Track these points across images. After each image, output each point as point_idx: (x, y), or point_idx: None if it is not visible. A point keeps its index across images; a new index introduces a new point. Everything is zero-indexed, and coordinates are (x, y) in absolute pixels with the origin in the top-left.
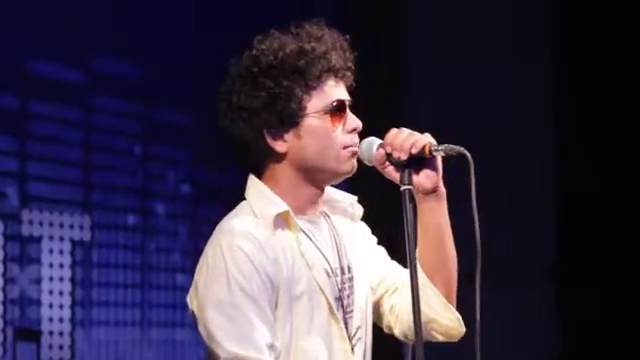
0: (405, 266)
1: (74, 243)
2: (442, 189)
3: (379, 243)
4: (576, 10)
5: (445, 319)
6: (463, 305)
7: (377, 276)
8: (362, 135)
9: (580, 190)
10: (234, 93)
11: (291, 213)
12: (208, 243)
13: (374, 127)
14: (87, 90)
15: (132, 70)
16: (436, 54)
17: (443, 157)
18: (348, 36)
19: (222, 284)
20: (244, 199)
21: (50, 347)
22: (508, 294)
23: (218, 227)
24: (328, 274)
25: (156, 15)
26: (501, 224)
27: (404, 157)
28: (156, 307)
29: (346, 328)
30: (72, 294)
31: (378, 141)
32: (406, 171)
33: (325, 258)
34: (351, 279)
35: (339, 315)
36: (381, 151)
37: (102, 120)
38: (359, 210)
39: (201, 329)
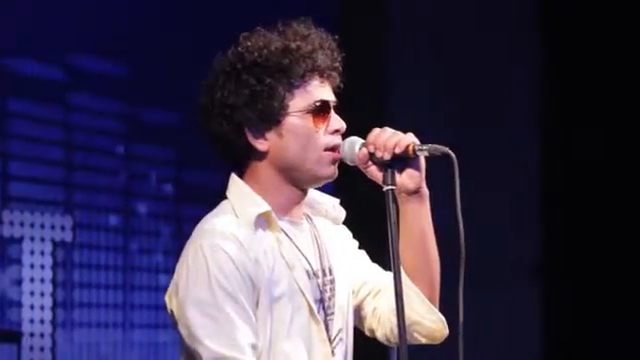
0: (387, 268)
1: (55, 244)
2: (425, 190)
3: (362, 244)
4: (564, 10)
5: (428, 321)
6: (446, 306)
7: (359, 279)
8: (344, 135)
9: (565, 191)
10: (217, 89)
11: (272, 214)
12: (188, 243)
13: (356, 127)
14: (68, 89)
15: (114, 68)
16: (420, 54)
17: (426, 157)
18: (337, 36)
19: (203, 284)
20: (225, 198)
21: (31, 349)
22: (492, 295)
23: (199, 226)
24: (309, 275)
25: (140, 12)
26: (485, 225)
27: (387, 157)
28: (138, 308)
29: (327, 330)
30: (53, 295)
31: (360, 140)
32: (389, 171)
33: (306, 259)
34: (332, 281)
35: (320, 317)
36: (364, 150)
37: (84, 119)
38: (341, 213)
39: (181, 329)
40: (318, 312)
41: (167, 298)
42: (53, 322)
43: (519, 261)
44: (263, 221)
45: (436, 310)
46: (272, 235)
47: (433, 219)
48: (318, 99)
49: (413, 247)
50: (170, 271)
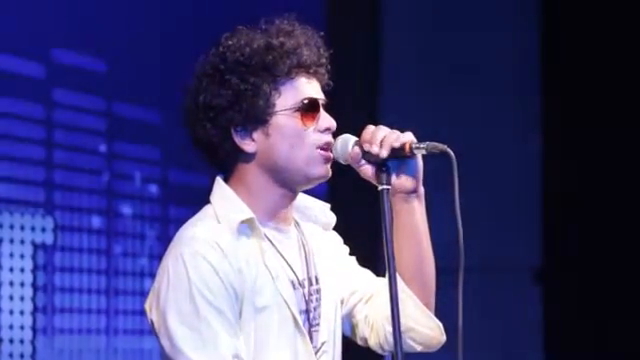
0: (380, 271)
1: (36, 246)
2: (422, 189)
3: (354, 246)
4: (565, 7)
5: (425, 327)
6: (444, 310)
7: (348, 287)
8: (335, 135)
9: (566, 192)
10: (200, 92)
11: (256, 221)
12: (168, 250)
13: (348, 125)
14: (49, 85)
15: (97, 64)
16: (416, 52)
17: (423, 155)
18: (322, 33)
19: (185, 295)
20: (209, 202)
21: (10, 356)
22: (492, 298)
23: (179, 233)
24: (294, 286)
25: (124, 7)
26: (484, 226)
27: (384, 155)
28: (122, 314)
29: (311, 342)
30: (33, 300)
31: (354, 138)
32: (384, 170)
33: (291, 268)
34: (318, 291)
35: (305, 328)
36: (358, 149)
37: (65, 117)
38: (331, 218)
39: (163, 340)
40: (303, 323)
41: (147, 307)
42: (33, 328)
43: (520, 263)
44: (246, 228)
45: (432, 315)
46: (256, 243)
47: (428, 220)
48: (306, 97)
49: (408, 249)
50: (155, 275)
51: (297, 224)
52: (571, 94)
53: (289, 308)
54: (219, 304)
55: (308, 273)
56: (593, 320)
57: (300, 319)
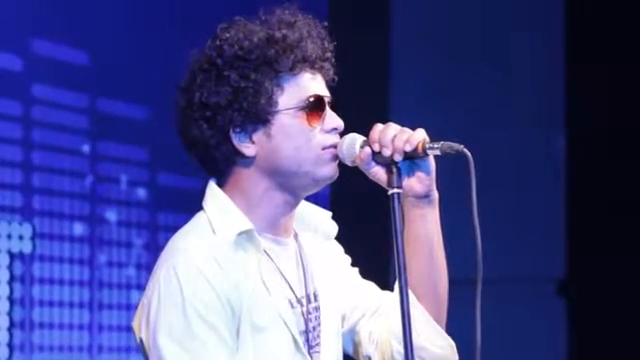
0: (386, 284)
1: (12, 256)
2: (435, 193)
3: (362, 255)
4: (590, 12)
5: (436, 347)
6: (461, 325)
7: (350, 301)
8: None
9: (591, 200)
10: (195, 89)
11: (255, 233)
12: (159, 263)
13: (356, 124)
14: (27, 79)
15: (80, 56)
16: (430, 47)
17: (437, 156)
18: (326, 23)
19: (178, 311)
20: (202, 209)
21: None
22: (513, 312)
23: (171, 244)
24: (292, 304)
25: None
26: (505, 235)
27: (397, 157)
28: (107, 329)
29: None
30: (10, 314)
31: (361, 138)
32: (395, 172)
33: (289, 285)
34: (317, 309)
35: (305, 350)
36: (366, 149)
37: (45, 114)
38: (333, 228)
39: None
40: (303, 345)
41: (135, 325)
42: (10, 345)
43: (542, 275)
44: (244, 240)
45: (444, 333)
46: (253, 256)
47: (442, 227)
48: (311, 94)
49: (419, 258)
50: (143, 287)
51: (296, 235)
52: (598, 94)
53: (288, 328)
54: (215, 322)
55: (306, 290)
56: (618, 333)
57: (300, 340)
